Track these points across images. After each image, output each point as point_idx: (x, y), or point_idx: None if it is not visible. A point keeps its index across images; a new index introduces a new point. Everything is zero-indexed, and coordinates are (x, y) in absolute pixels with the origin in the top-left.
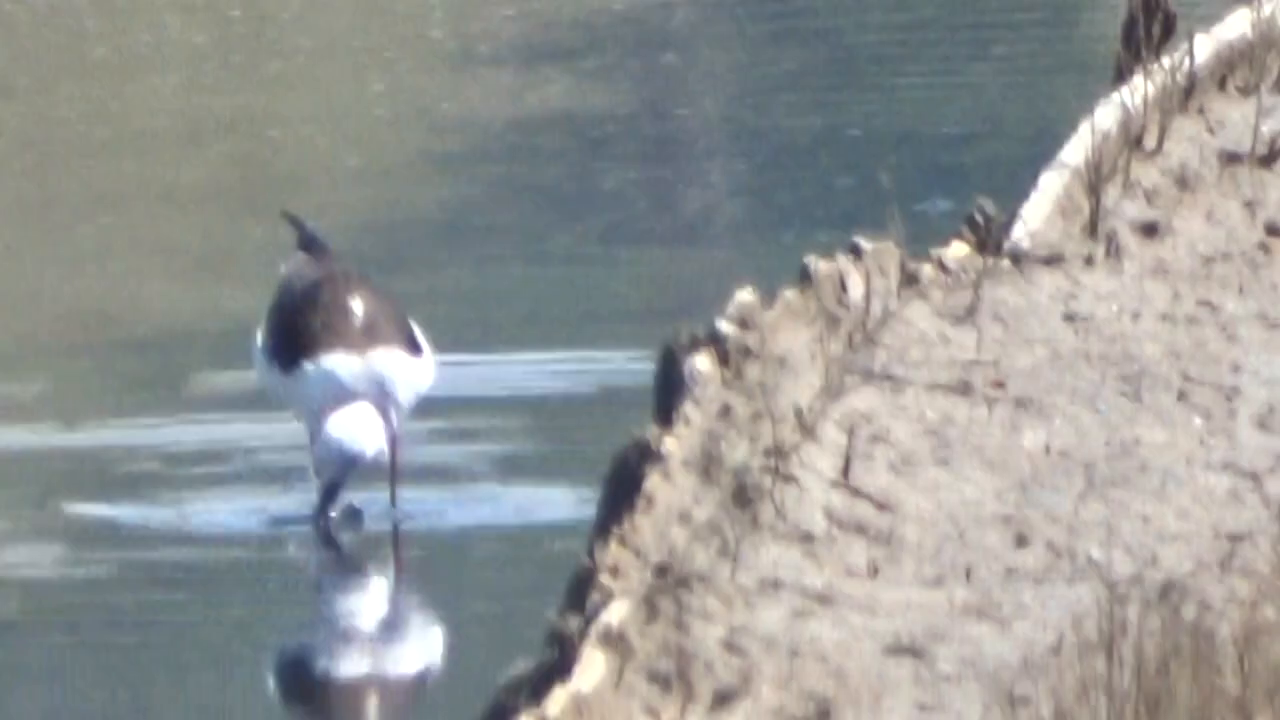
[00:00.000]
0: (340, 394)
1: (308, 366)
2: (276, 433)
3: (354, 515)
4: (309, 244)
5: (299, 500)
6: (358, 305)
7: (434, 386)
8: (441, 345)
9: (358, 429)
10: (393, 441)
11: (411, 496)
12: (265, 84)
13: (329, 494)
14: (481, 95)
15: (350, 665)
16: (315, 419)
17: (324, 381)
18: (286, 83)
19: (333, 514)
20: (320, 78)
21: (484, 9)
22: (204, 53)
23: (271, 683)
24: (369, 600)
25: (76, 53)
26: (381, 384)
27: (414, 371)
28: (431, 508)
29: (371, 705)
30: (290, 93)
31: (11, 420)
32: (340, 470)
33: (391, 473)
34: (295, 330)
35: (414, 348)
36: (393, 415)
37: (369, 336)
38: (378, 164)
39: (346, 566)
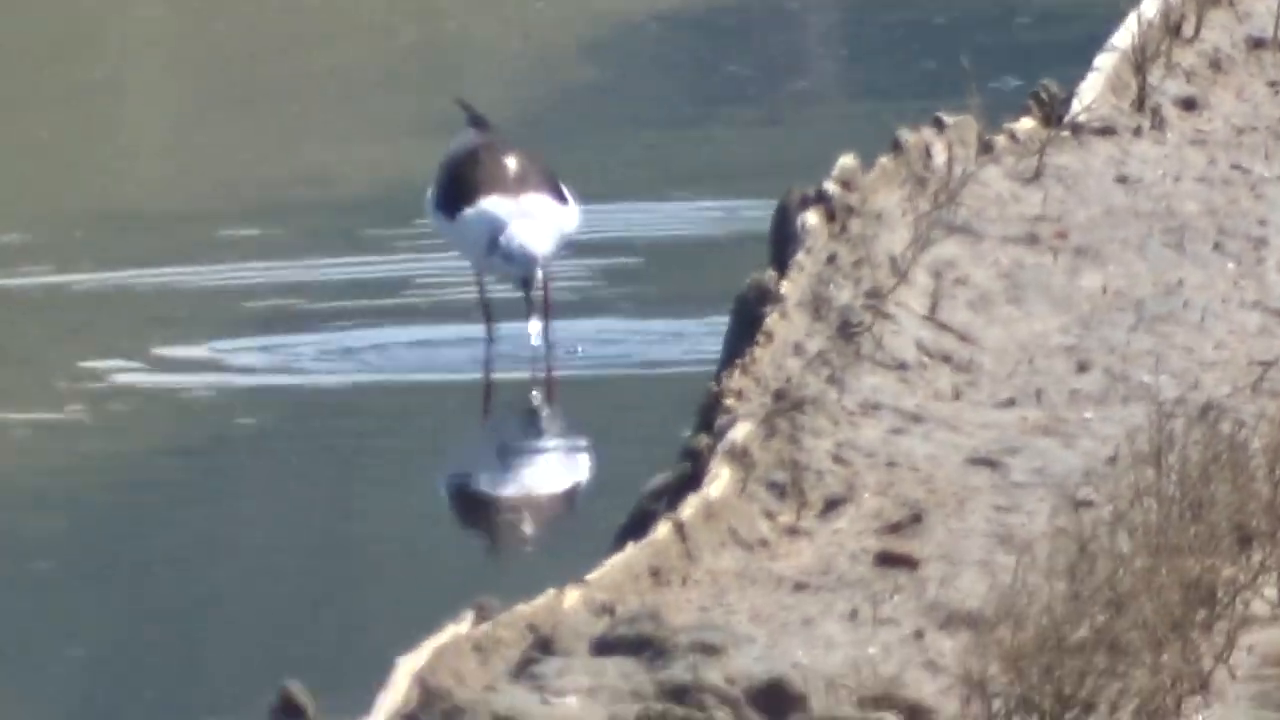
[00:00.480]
0: (498, 233)
1: (469, 211)
2: (448, 272)
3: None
4: (475, 122)
5: (465, 333)
6: (511, 160)
7: (581, 231)
8: (590, 196)
9: (533, 233)
10: (544, 282)
11: (561, 330)
12: None
13: (526, 288)
14: None
15: (511, 484)
16: (479, 255)
17: (483, 222)
18: None
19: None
20: None
21: None
22: None
23: (435, 499)
24: (525, 427)
25: None
26: None
27: (560, 215)
28: (581, 340)
29: (531, 517)
30: None
31: (220, 259)
32: (526, 268)
33: (545, 309)
34: (458, 182)
35: (560, 197)
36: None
37: (520, 184)
38: (537, 50)
39: (505, 394)
